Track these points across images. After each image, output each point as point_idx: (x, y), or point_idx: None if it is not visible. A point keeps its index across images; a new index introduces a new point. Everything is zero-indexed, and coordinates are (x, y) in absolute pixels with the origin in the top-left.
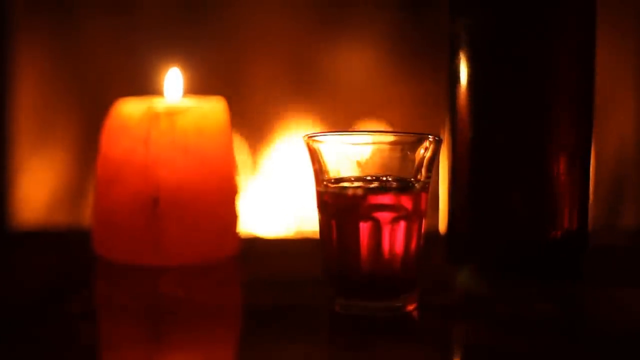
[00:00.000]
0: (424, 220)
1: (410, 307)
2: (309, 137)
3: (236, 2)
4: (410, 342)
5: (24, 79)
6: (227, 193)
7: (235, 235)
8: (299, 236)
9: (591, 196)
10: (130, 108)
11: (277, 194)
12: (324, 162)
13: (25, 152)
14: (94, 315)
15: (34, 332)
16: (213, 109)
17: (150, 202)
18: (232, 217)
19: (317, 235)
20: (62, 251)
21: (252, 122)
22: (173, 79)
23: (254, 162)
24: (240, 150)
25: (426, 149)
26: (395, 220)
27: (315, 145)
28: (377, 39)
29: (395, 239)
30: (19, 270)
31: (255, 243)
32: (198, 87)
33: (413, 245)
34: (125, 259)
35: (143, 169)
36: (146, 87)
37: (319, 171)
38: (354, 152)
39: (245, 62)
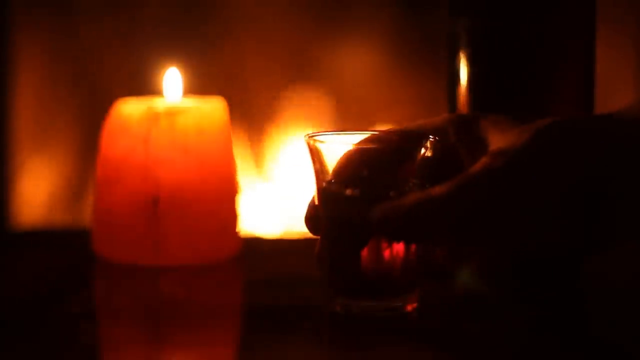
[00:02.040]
0: None
1: (410, 307)
2: (309, 136)
3: (236, 2)
4: (410, 342)
5: (24, 79)
6: (227, 193)
7: (235, 235)
8: (298, 236)
9: None
10: (130, 108)
11: (277, 194)
12: (324, 161)
13: (25, 152)
14: (94, 315)
15: (34, 332)
16: (213, 109)
17: (150, 202)
18: (232, 217)
19: (316, 236)
20: (62, 251)
21: (252, 122)
22: (173, 79)
23: (254, 162)
24: (240, 150)
25: (427, 148)
26: None
27: (316, 145)
28: (377, 39)
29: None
30: (19, 270)
31: (255, 243)
32: (198, 87)
33: (414, 245)
34: (125, 259)
35: (143, 169)
36: (146, 87)
37: (320, 171)
38: None
39: (245, 62)
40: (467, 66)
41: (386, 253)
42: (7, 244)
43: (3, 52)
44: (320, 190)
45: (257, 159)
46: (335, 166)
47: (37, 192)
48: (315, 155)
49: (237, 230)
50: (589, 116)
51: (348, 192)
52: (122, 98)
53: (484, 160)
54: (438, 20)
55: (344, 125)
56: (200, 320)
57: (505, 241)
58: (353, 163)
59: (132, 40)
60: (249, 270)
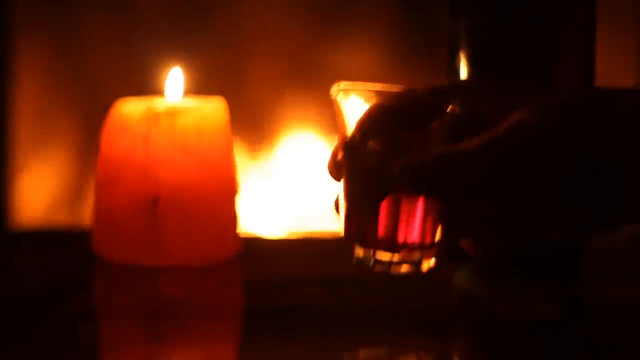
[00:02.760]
0: None
1: (427, 267)
2: (337, 88)
3: (237, 2)
4: (410, 342)
5: (24, 79)
6: (227, 193)
7: (235, 235)
8: (299, 236)
9: None
10: (130, 108)
11: (277, 194)
12: (349, 114)
13: (25, 153)
14: (94, 315)
15: (34, 332)
16: (213, 109)
17: (150, 202)
18: (232, 218)
19: (317, 235)
20: (62, 251)
21: (252, 122)
22: (174, 79)
23: (254, 162)
24: (240, 150)
25: (454, 108)
26: None
27: (343, 97)
28: (377, 38)
29: (416, 198)
30: (19, 270)
31: (255, 243)
32: (198, 87)
33: (433, 203)
34: (125, 259)
35: (143, 169)
36: (146, 87)
37: (344, 123)
38: None
39: (245, 62)
40: (467, 66)
41: (404, 209)
42: (7, 244)
43: (3, 52)
44: (344, 142)
45: (257, 159)
46: (360, 119)
47: (37, 192)
48: (341, 107)
49: (237, 230)
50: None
51: (371, 145)
52: (122, 98)
53: (516, 118)
54: (438, 20)
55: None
56: (200, 320)
57: (523, 205)
58: (378, 117)
59: (133, 40)
60: (249, 270)
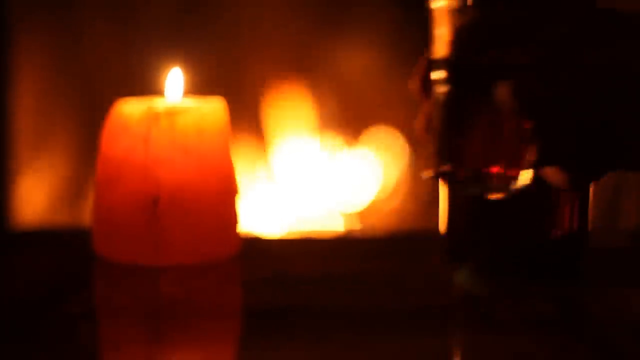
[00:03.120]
0: None
1: (521, 184)
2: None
3: (237, 2)
4: (409, 342)
5: (24, 79)
6: (227, 193)
7: (235, 235)
8: (298, 236)
9: (591, 196)
10: (130, 108)
11: (277, 193)
12: (447, 28)
13: (25, 152)
14: (94, 315)
15: (34, 332)
16: (213, 109)
17: (150, 202)
18: (232, 217)
19: (316, 235)
20: (62, 251)
21: (252, 122)
22: (174, 79)
23: (254, 162)
24: (241, 150)
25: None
26: None
27: (441, 9)
28: (377, 38)
29: (514, 120)
30: (19, 270)
31: (255, 242)
32: (198, 87)
33: (530, 130)
34: (125, 259)
35: (143, 169)
36: (146, 87)
37: (440, 39)
38: None
39: (245, 62)
40: None
41: (501, 131)
42: (7, 244)
43: (3, 52)
44: (442, 59)
45: (257, 159)
46: (459, 33)
47: (37, 192)
48: (438, 19)
49: (237, 230)
50: None
51: (473, 63)
52: (122, 98)
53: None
54: None
55: (343, 125)
56: (200, 320)
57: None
58: (479, 33)
59: (132, 41)
60: (249, 270)
